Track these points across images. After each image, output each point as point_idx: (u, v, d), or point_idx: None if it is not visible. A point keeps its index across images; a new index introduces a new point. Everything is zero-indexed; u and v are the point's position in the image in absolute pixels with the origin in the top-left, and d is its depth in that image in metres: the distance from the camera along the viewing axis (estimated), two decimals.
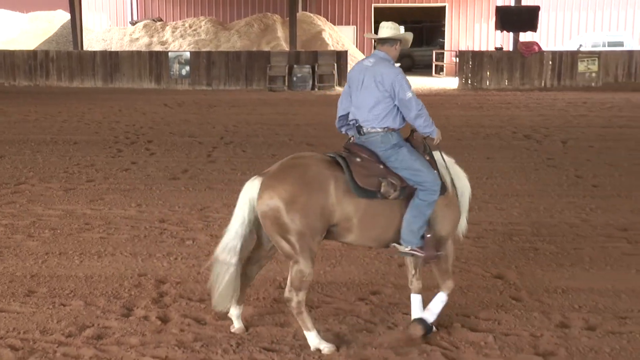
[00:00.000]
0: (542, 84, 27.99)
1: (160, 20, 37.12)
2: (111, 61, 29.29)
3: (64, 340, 5.73)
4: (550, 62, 28.07)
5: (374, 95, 5.83)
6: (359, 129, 5.92)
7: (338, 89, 27.81)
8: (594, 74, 27.90)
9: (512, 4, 30.71)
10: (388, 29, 6.02)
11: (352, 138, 6.07)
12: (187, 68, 28.72)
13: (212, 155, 13.79)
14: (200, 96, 25.57)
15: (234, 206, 5.70)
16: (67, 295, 6.71)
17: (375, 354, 5.49)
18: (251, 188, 5.65)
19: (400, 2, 39.99)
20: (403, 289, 6.81)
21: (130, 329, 5.94)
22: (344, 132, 6.22)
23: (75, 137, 15.95)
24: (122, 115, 20.04)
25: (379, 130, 5.82)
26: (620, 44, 33.34)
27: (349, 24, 39.64)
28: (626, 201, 10.23)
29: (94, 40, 34.10)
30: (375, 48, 6.21)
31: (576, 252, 7.95)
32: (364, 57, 6.14)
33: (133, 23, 37.28)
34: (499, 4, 35.27)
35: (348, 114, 6.09)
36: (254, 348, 5.57)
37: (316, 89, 27.82)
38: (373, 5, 39.88)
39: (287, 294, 5.57)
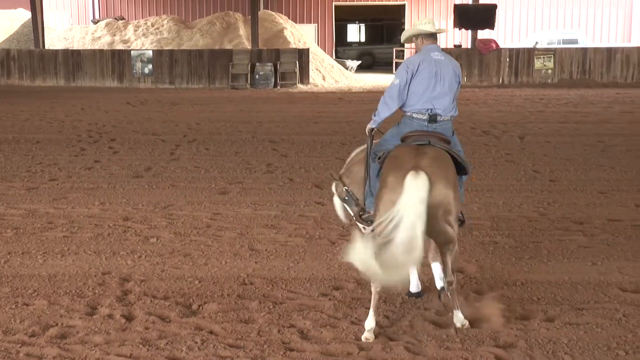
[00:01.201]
0: (500, 81, 28.28)
1: (123, 18, 36.86)
2: (73, 60, 29.03)
3: (27, 340, 5.70)
4: (508, 59, 28.38)
5: (453, 86, 6.32)
6: (433, 117, 6.24)
7: (300, 86, 27.84)
8: (549, 71, 28.25)
9: (470, 2, 30.94)
10: (433, 23, 6.57)
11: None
12: (150, 66, 28.58)
13: (175, 153, 13.77)
14: (163, 94, 25.45)
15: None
16: (30, 294, 6.68)
17: (339, 348, 5.55)
18: (423, 182, 5.47)
19: (361, 1, 40.13)
20: (365, 284, 6.91)
21: (94, 327, 5.93)
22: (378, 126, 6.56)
23: (37, 136, 15.82)
24: (84, 113, 19.89)
25: (449, 118, 6.30)
26: (575, 41, 33.82)
27: (310, 22, 39.69)
28: (582, 195, 10.41)
29: (55, 39, 33.75)
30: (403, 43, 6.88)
31: (534, 246, 8.08)
32: (423, 51, 6.44)
33: (95, 22, 36.98)
34: (457, 2, 35.50)
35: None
36: (218, 345, 5.60)
37: (278, 87, 27.82)
38: (334, 3, 39.98)
39: (450, 277, 5.81)
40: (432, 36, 6.44)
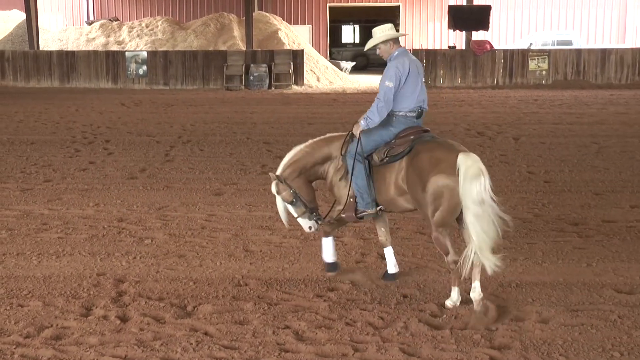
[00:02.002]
0: (495, 82, 28.29)
1: (117, 20, 36.79)
2: (68, 61, 29.00)
3: (22, 341, 5.70)
4: (502, 61, 28.39)
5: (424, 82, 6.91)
6: (420, 113, 6.75)
7: (295, 87, 27.84)
8: (544, 72, 28.28)
9: (464, 3, 30.96)
10: (395, 28, 6.99)
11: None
12: (144, 67, 28.56)
13: (170, 155, 13.76)
14: (157, 95, 25.43)
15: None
16: (25, 295, 6.68)
17: (334, 349, 5.56)
18: (475, 157, 6.15)
19: (355, 2, 40.16)
20: (360, 285, 6.92)
21: (89, 328, 5.93)
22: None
23: (32, 137, 15.80)
24: (79, 115, 19.87)
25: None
26: (569, 42, 33.84)
27: (304, 24, 39.70)
28: (577, 196, 10.44)
29: (50, 40, 33.67)
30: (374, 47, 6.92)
31: (529, 247, 8.09)
32: (396, 52, 6.77)
33: (89, 23, 36.89)
34: (452, 3, 35.52)
35: None
36: (213, 346, 5.60)
37: (273, 88, 27.82)
38: (328, 4, 39.99)
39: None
40: (398, 40, 6.82)
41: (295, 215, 7.01)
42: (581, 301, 6.53)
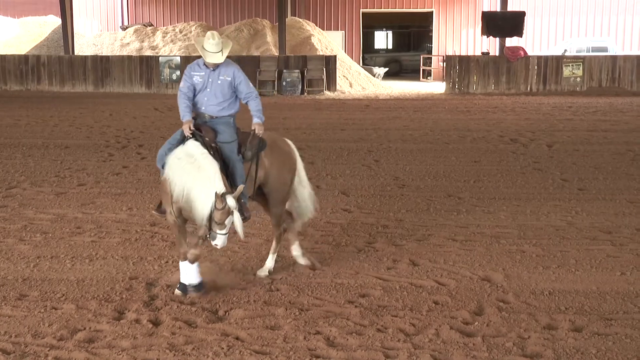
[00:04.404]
0: (528, 89, 28.08)
1: (151, 25, 37.09)
2: (102, 66, 29.25)
3: (56, 343, 5.77)
4: (536, 67, 28.17)
5: None
6: None
7: (327, 93, 27.86)
8: (578, 79, 28.02)
9: (498, 9, 30.80)
10: None
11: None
12: (178, 73, 28.70)
13: None
14: None
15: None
16: (59, 298, 6.75)
17: (365, 356, 5.56)
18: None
19: (389, 8, 40.11)
20: (392, 291, 6.91)
21: (121, 332, 5.99)
22: None
23: (66, 142, 15.95)
24: (113, 119, 20.03)
25: None
26: (604, 49, 33.48)
27: (337, 29, 39.71)
28: (611, 204, 10.33)
29: (85, 45, 34.03)
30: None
31: (562, 255, 8.03)
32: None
33: (124, 28, 37.22)
34: (485, 9, 35.35)
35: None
36: (244, 351, 5.62)
37: (305, 94, 27.86)
38: (361, 10, 39.99)
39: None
40: None
41: (225, 231, 6.45)
42: (615, 310, 6.47)
